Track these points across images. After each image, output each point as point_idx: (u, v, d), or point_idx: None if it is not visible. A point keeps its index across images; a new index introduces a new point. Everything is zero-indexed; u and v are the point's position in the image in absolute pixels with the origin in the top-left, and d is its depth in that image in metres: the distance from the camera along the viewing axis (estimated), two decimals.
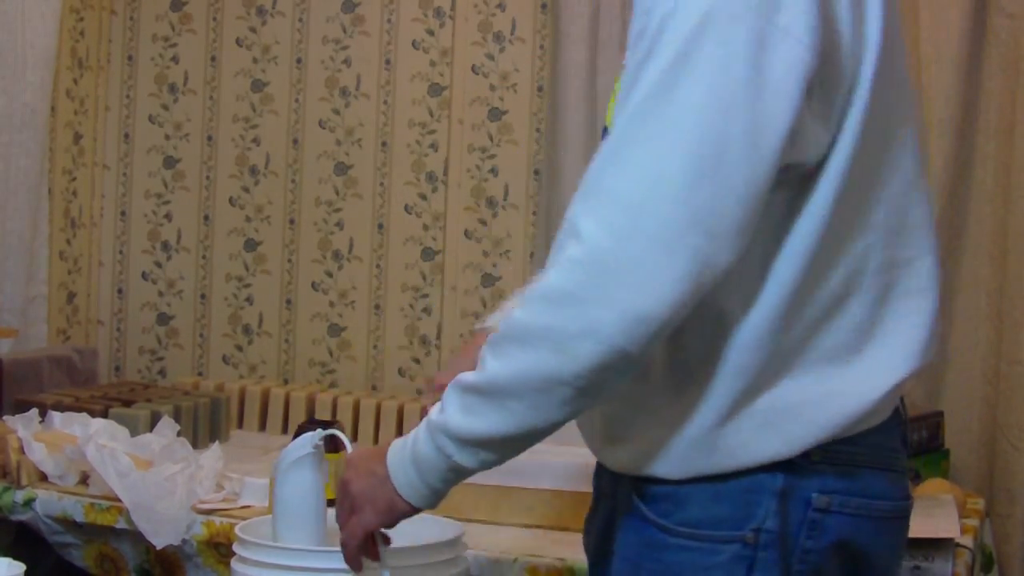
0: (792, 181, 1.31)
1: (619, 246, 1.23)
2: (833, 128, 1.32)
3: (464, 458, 1.35)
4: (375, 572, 1.50)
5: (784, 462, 1.34)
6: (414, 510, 1.42)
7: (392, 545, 1.56)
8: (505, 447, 1.35)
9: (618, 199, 1.24)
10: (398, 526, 1.69)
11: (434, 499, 1.41)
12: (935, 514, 2.18)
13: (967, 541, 2.22)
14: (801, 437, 1.34)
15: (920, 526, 2.11)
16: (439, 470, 1.37)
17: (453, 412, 1.34)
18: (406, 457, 1.39)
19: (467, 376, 1.33)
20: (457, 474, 1.38)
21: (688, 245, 1.22)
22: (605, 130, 1.45)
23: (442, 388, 1.50)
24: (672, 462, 1.36)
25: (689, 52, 1.24)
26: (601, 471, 1.51)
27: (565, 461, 2.24)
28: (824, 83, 1.29)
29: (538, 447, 2.63)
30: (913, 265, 1.40)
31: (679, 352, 1.36)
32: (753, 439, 1.34)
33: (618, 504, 1.44)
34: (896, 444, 1.44)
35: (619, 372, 1.27)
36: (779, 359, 1.34)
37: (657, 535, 1.37)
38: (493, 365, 1.30)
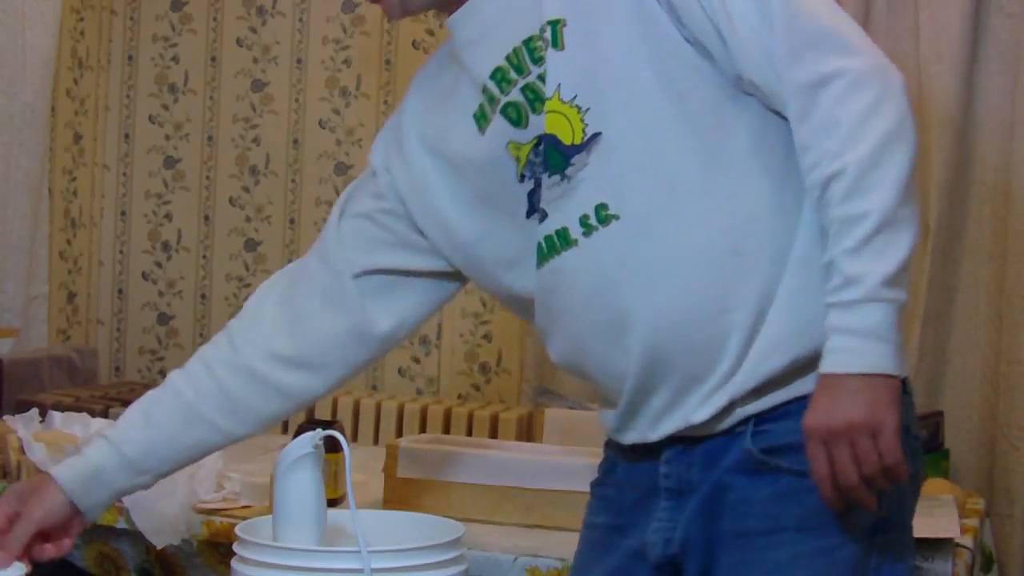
0: None
1: (871, 53, 1.41)
2: None
3: (903, 292, 1.38)
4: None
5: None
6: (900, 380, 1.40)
7: (391, 546, 1.56)
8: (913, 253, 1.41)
9: (845, 34, 1.42)
10: (397, 528, 1.69)
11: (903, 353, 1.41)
12: (935, 514, 2.18)
13: (967, 541, 2.22)
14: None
15: (920, 526, 2.10)
16: (895, 323, 1.37)
17: (873, 268, 1.35)
18: (867, 345, 1.36)
19: (854, 236, 1.36)
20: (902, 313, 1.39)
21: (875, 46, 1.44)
22: (570, 148, 1.48)
23: None
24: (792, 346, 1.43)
25: None
26: (686, 465, 1.52)
27: (565, 461, 2.24)
28: None
29: (538, 447, 2.63)
30: None
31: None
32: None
33: (725, 477, 1.48)
34: None
35: None
36: None
37: (795, 481, 1.42)
38: (875, 199, 1.36)
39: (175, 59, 3.52)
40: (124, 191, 3.58)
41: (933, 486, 2.47)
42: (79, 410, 2.61)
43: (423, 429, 3.04)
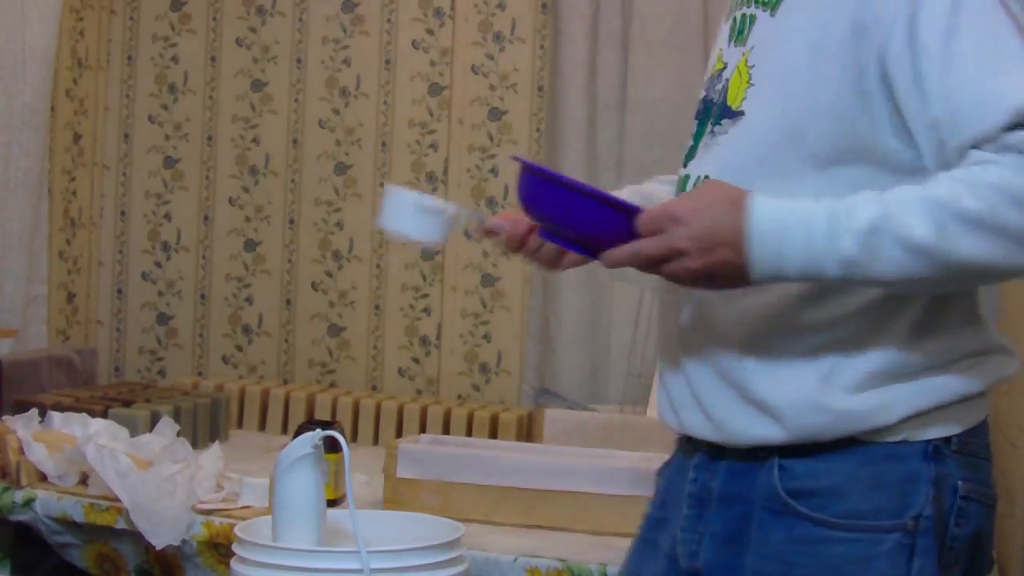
0: None
1: None
2: None
3: (820, 270, 1.30)
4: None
5: (934, 450, 1.40)
6: (744, 283, 1.33)
7: (391, 546, 1.56)
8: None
9: None
10: (397, 528, 1.69)
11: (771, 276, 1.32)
12: None
13: None
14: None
15: None
16: (800, 268, 1.30)
17: (855, 249, 1.28)
18: (792, 234, 1.28)
19: (907, 229, 1.27)
20: (815, 275, 1.31)
21: None
22: (728, 109, 1.46)
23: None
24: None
25: None
26: (710, 475, 1.49)
27: (565, 461, 2.24)
28: None
29: (538, 447, 2.62)
30: None
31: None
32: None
33: (755, 505, 1.44)
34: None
35: None
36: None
37: (812, 530, 1.39)
38: (955, 239, 1.27)
39: (175, 59, 3.52)
40: (124, 191, 3.57)
41: None
42: (79, 410, 2.61)
43: (423, 429, 3.04)
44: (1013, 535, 2.75)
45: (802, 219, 1.29)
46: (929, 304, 1.40)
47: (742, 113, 1.44)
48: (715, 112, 1.47)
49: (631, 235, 1.35)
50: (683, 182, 1.50)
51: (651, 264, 1.33)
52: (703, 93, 1.53)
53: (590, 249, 1.40)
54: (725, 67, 1.49)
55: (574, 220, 1.39)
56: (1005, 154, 1.28)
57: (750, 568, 1.43)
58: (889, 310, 1.39)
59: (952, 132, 1.31)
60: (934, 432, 1.41)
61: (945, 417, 1.41)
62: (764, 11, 1.45)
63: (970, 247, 1.27)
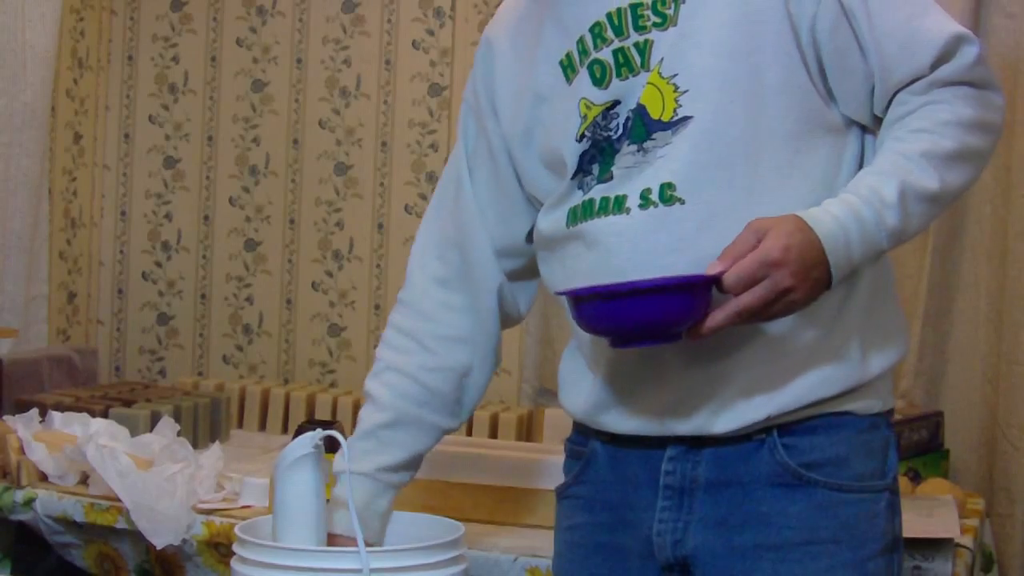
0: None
1: None
2: None
3: (877, 249, 1.43)
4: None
5: (891, 420, 1.57)
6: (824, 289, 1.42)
7: (391, 545, 1.56)
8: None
9: None
10: (397, 528, 1.69)
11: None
12: (935, 514, 2.18)
13: (967, 541, 2.22)
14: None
15: (920, 526, 2.11)
16: (863, 254, 1.42)
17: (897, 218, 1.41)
18: (851, 229, 1.39)
19: (922, 185, 1.41)
20: (872, 255, 1.44)
21: None
22: (658, 123, 1.47)
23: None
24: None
25: None
26: (691, 464, 1.52)
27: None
28: None
29: (538, 447, 2.62)
30: None
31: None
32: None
33: (753, 486, 1.49)
34: None
35: None
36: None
37: (830, 495, 1.49)
38: (948, 178, 1.44)
39: (175, 59, 3.53)
40: (124, 191, 3.58)
41: (933, 486, 2.47)
42: (79, 410, 2.61)
43: None
44: (1013, 535, 2.75)
45: (850, 215, 1.39)
46: (886, 277, 1.56)
47: (688, 117, 1.45)
48: (632, 134, 1.48)
49: (704, 300, 1.37)
50: (618, 202, 1.49)
51: (755, 315, 1.37)
52: (582, 145, 1.52)
53: (668, 335, 1.39)
54: (616, 103, 1.50)
55: (648, 319, 1.37)
56: (940, 90, 1.46)
57: (757, 544, 1.48)
58: (874, 283, 1.52)
59: (885, 76, 1.45)
60: (889, 403, 1.56)
61: (888, 389, 1.56)
62: (661, 31, 1.48)
63: (961, 177, 1.46)
